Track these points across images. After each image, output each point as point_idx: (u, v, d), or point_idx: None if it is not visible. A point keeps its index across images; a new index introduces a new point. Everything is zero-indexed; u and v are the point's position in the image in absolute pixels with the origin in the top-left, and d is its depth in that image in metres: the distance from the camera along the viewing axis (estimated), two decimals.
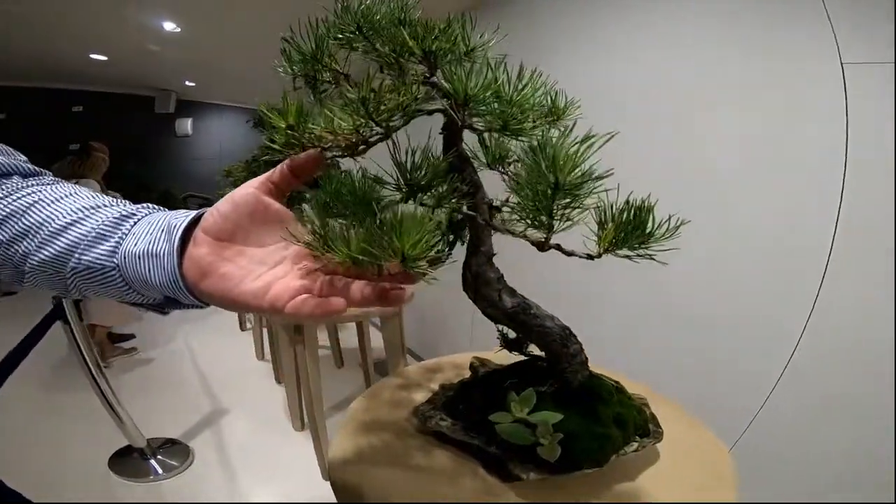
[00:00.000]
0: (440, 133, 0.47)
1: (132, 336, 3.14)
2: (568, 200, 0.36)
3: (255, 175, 0.41)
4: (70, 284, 0.41)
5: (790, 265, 1.22)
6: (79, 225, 0.40)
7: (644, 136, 1.54)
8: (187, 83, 5.52)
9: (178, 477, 1.84)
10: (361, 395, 0.70)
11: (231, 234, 0.39)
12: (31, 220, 0.40)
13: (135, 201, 0.45)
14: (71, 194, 0.43)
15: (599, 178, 0.35)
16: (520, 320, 0.50)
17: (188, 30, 3.56)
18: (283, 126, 0.40)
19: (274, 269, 0.39)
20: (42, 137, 4.63)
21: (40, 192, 0.42)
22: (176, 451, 1.98)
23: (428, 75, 0.43)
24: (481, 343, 2.23)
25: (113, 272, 0.39)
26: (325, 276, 0.38)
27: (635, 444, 0.52)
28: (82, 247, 0.39)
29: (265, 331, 2.89)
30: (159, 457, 1.91)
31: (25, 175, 0.44)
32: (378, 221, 0.36)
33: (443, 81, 0.41)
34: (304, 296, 0.36)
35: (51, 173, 0.47)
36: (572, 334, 0.52)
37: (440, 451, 0.56)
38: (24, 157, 0.46)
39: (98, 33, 3.63)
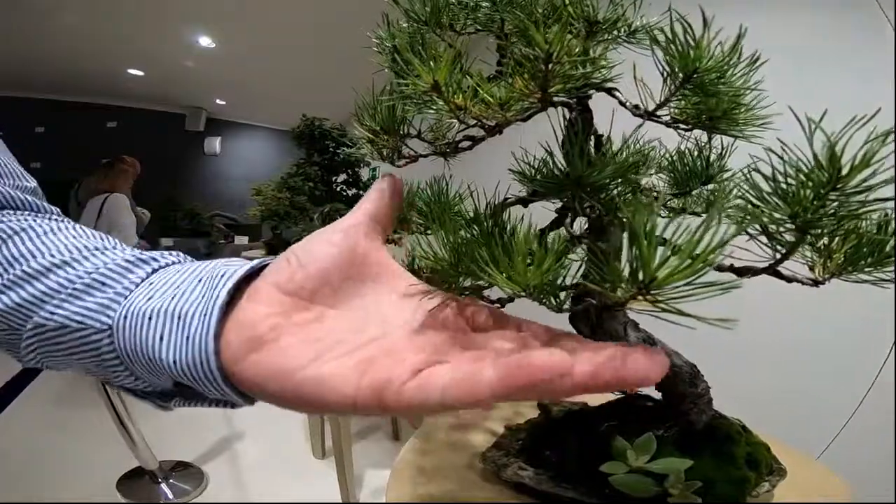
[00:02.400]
0: (566, 128, 0.37)
1: None
2: (851, 205, 0.25)
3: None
4: (23, 349, 0.28)
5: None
6: (71, 267, 0.28)
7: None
8: (218, 101, 5.62)
9: (190, 503, 1.74)
10: (413, 435, 0.63)
11: (315, 291, 0.26)
12: (7, 252, 0.28)
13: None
14: (74, 229, 0.31)
15: (888, 181, 0.24)
16: None
17: (223, 46, 3.61)
18: (429, 84, 0.28)
19: (365, 347, 0.24)
20: (78, 152, 4.68)
21: (34, 221, 0.31)
22: (189, 474, 1.88)
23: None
24: None
25: (97, 336, 0.26)
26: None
27: (766, 485, 0.45)
28: (64, 294, 0.26)
29: None
30: (171, 480, 1.81)
31: (25, 210, 0.33)
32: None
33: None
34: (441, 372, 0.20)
35: (58, 211, 0.34)
36: (699, 371, 0.42)
37: None
38: (32, 184, 0.34)
39: (136, 47, 3.71)
